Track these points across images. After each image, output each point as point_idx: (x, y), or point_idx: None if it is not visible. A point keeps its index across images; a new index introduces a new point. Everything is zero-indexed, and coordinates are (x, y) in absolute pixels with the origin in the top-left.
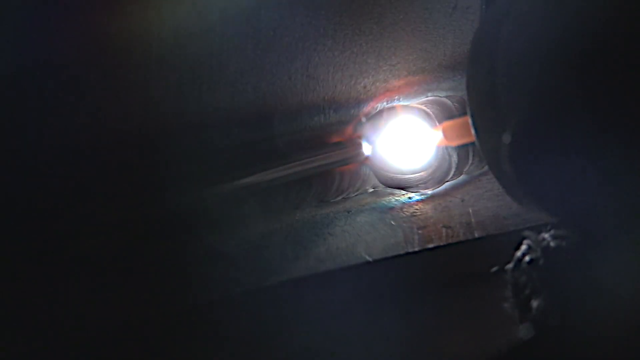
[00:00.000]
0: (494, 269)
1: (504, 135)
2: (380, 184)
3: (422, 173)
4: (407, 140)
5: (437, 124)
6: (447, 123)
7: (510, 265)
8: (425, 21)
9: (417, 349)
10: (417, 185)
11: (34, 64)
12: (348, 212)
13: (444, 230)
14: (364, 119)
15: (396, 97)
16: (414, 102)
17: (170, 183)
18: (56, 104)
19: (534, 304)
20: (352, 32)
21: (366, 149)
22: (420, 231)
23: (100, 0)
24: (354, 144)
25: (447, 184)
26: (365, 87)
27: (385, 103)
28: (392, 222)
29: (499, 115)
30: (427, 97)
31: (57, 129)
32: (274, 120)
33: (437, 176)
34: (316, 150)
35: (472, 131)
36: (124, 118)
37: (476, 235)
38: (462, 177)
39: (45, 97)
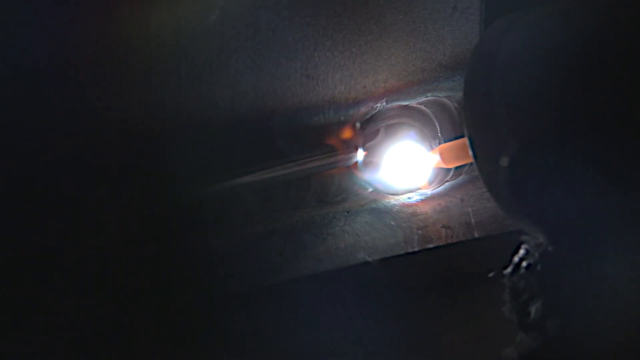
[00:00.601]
0: (491, 274)
1: (502, 158)
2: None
3: (412, 190)
4: (401, 160)
5: (433, 145)
6: (444, 146)
7: (508, 270)
8: (425, 21)
9: (417, 348)
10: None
11: (34, 64)
12: (348, 212)
13: (443, 230)
14: (357, 124)
15: (396, 97)
16: (414, 103)
17: (170, 183)
18: (56, 104)
19: (532, 308)
20: (352, 32)
21: (359, 155)
22: (420, 231)
23: (100, 1)
24: (346, 148)
25: (447, 184)
26: (365, 87)
27: (384, 103)
28: (392, 222)
29: (497, 139)
30: (427, 97)
31: (57, 129)
32: (274, 121)
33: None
34: (306, 154)
35: (470, 153)
36: (124, 118)
37: (476, 235)
38: (462, 177)
39: (46, 97)
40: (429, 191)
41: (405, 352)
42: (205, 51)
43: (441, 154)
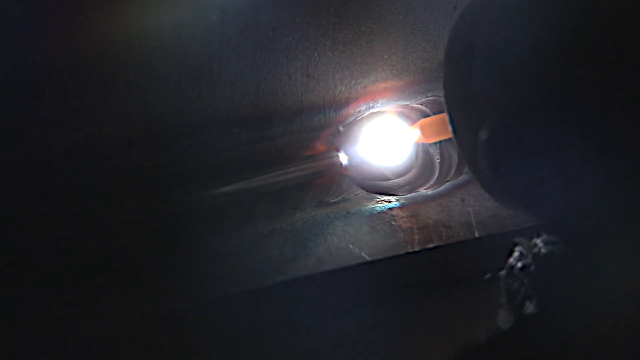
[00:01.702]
0: (487, 275)
1: (481, 132)
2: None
3: (402, 178)
4: (384, 143)
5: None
6: (424, 120)
7: (503, 272)
8: (425, 21)
9: (417, 348)
10: (398, 190)
11: (34, 65)
12: (348, 212)
13: (444, 230)
14: (341, 128)
15: (396, 97)
16: (414, 102)
17: (170, 183)
18: (56, 105)
19: (527, 308)
20: (352, 32)
21: (343, 158)
22: (420, 231)
23: (100, 1)
24: (330, 155)
25: (447, 184)
26: (365, 87)
27: (380, 104)
28: (392, 222)
29: (475, 113)
30: (427, 97)
31: (58, 129)
32: (273, 121)
33: (418, 180)
34: (288, 164)
35: (450, 128)
36: (124, 118)
37: (476, 235)
38: (462, 177)
39: (46, 98)
40: (429, 191)
41: (405, 352)
42: (205, 51)
43: (422, 129)
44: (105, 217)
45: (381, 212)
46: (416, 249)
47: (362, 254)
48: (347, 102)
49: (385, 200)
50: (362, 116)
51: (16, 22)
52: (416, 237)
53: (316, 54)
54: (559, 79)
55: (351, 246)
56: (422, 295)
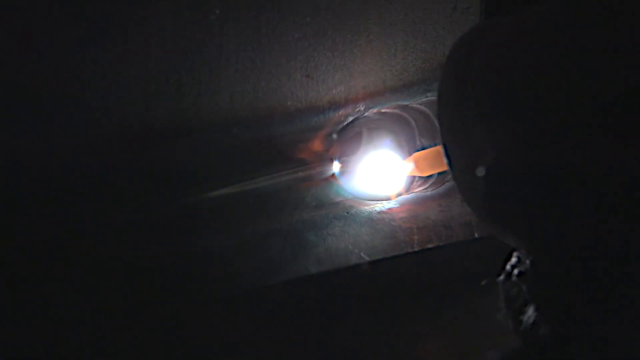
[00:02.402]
0: (484, 281)
1: (478, 168)
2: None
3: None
4: (376, 175)
5: (409, 152)
6: (419, 154)
7: (501, 278)
8: (425, 21)
9: (417, 348)
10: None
11: (34, 65)
12: (347, 212)
13: (443, 230)
14: (334, 136)
15: (395, 97)
16: (414, 103)
17: (169, 183)
18: (56, 104)
19: (525, 314)
20: (352, 32)
21: (335, 167)
22: (420, 231)
23: (101, 1)
24: (322, 161)
25: (447, 184)
26: (365, 87)
27: (379, 105)
28: (392, 223)
29: (472, 148)
30: (427, 97)
31: (57, 129)
32: (273, 121)
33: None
34: (288, 165)
35: (446, 162)
36: (124, 118)
37: (476, 235)
38: None
39: (45, 97)
40: (428, 192)
41: (405, 352)
42: (205, 51)
43: (416, 162)
44: (104, 217)
45: (381, 212)
46: (416, 249)
47: (362, 254)
48: (346, 102)
49: (385, 201)
50: (358, 127)
51: (15, 22)
52: (416, 237)
53: (316, 54)
54: (556, 113)
55: (350, 246)
56: (422, 295)
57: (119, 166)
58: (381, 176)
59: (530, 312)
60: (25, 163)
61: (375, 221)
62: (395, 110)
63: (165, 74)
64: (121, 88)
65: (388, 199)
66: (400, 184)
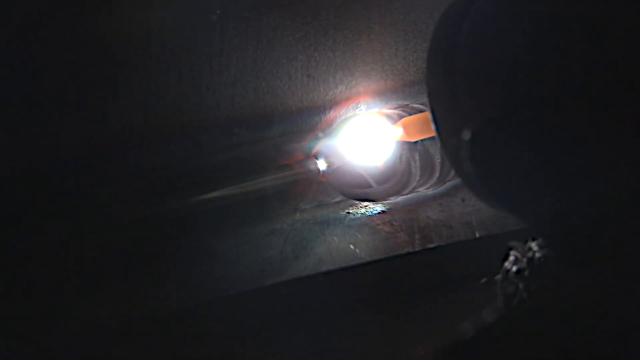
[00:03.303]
0: (483, 280)
1: (464, 132)
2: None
3: (383, 185)
4: (366, 143)
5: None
6: (407, 119)
7: (498, 276)
8: (425, 21)
9: (416, 348)
10: (379, 197)
11: (34, 64)
12: (348, 212)
13: (444, 230)
14: (320, 135)
15: (396, 97)
16: (414, 103)
17: (169, 183)
18: (56, 104)
19: (522, 311)
20: (352, 32)
21: (321, 165)
22: (420, 231)
23: (101, 0)
24: (309, 162)
25: (447, 183)
26: (365, 87)
27: (380, 104)
28: (393, 222)
29: (459, 112)
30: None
31: (57, 129)
32: (273, 121)
33: (398, 187)
34: (269, 171)
35: (433, 127)
36: (124, 118)
37: (477, 235)
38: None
39: (45, 97)
40: (429, 192)
41: (405, 352)
42: (205, 51)
43: (404, 128)
44: (104, 217)
45: (381, 212)
46: (416, 249)
47: (362, 254)
48: (347, 102)
49: (386, 201)
50: (343, 119)
51: (16, 22)
52: (416, 237)
53: (316, 54)
54: (545, 77)
55: (351, 246)
56: (422, 295)
57: (119, 166)
58: (370, 142)
59: (528, 309)
60: (25, 163)
61: (375, 221)
62: (396, 110)
63: (165, 74)
64: (121, 88)
65: (380, 175)
66: (389, 149)
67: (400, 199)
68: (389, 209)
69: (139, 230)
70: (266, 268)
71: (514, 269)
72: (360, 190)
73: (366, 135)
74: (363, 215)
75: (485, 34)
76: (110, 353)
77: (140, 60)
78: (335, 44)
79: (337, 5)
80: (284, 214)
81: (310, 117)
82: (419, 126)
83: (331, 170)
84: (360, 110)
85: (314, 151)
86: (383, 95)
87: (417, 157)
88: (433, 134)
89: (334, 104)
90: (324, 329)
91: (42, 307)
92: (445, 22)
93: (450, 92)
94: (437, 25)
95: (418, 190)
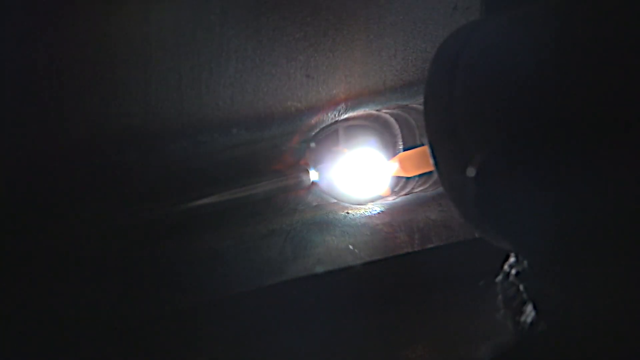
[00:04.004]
0: (482, 282)
1: (468, 169)
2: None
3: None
4: (360, 177)
5: (393, 152)
6: (404, 154)
7: (499, 278)
8: (425, 21)
9: (416, 348)
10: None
11: (34, 64)
12: (347, 212)
13: (444, 230)
14: (312, 144)
15: (396, 98)
16: (414, 103)
17: (170, 183)
18: (56, 104)
19: (524, 313)
20: (352, 32)
21: (312, 175)
22: (420, 231)
23: (101, 0)
24: (299, 170)
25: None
26: (365, 87)
27: (379, 105)
28: (392, 223)
29: (459, 148)
30: None
31: (57, 129)
32: (273, 121)
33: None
34: (257, 179)
35: (432, 162)
36: (124, 118)
37: (477, 235)
38: None
39: (45, 97)
40: (428, 192)
41: (406, 352)
42: (205, 51)
43: (400, 163)
44: (105, 217)
45: (381, 212)
46: (416, 249)
47: (362, 254)
48: (347, 102)
49: (384, 201)
50: (337, 132)
51: (16, 22)
52: (416, 237)
53: (316, 54)
54: (546, 108)
55: (351, 246)
56: (422, 295)
57: (119, 166)
58: (365, 177)
59: (529, 311)
60: (26, 163)
61: (375, 221)
62: (395, 111)
63: (165, 74)
64: (121, 88)
65: (374, 200)
66: (384, 184)
67: (399, 199)
68: (388, 210)
69: (139, 229)
70: (266, 268)
71: (514, 271)
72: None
73: (361, 172)
74: (363, 216)
75: (483, 67)
76: (110, 353)
77: (140, 60)
78: (335, 44)
79: (337, 5)
80: (283, 214)
81: (310, 117)
82: (416, 161)
83: (323, 176)
84: (355, 112)
85: (305, 159)
86: (382, 95)
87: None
88: (430, 168)
89: (333, 104)
90: (324, 328)
91: (42, 306)
92: (443, 55)
93: (450, 126)
94: (434, 58)
95: (418, 190)
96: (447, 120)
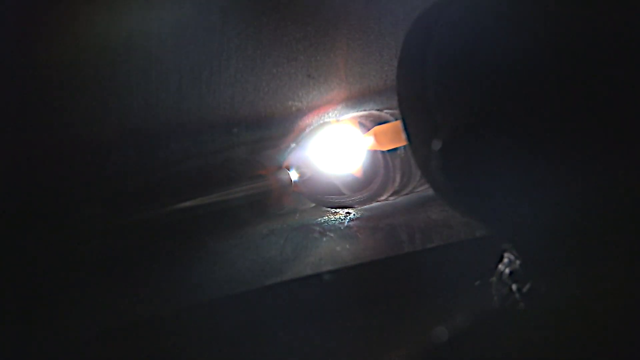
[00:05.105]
0: (477, 282)
1: (434, 142)
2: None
3: (356, 194)
4: (337, 153)
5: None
6: (378, 128)
7: (493, 278)
8: None
9: (416, 348)
10: (352, 203)
11: (34, 64)
12: (348, 212)
13: (444, 229)
14: (292, 145)
15: (395, 98)
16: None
17: (169, 183)
18: (56, 104)
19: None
20: (352, 32)
21: (293, 175)
22: (420, 231)
23: (101, 0)
24: (280, 173)
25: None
26: (367, 87)
27: (379, 105)
28: (393, 222)
29: (429, 121)
30: None
31: (57, 129)
32: (273, 121)
33: (372, 194)
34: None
35: (404, 136)
36: (123, 118)
37: (477, 235)
38: None
39: (45, 97)
40: (429, 191)
41: (406, 351)
42: (205, 51)
43: (375, 137)
44: (104, 217)
45: (381, 212)
46: (416, 249)
47: (361, 254)
48: (347, 102)
49: (384, 200)
50: (315, 128)
51: (15, 22)
52: (416, 236)
53: (316, 54)
54: (517, 83)
55: (351, 246)
56: (422, 295)
57: (119, 166)
58: (341, 151)
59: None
60: (25, 163)
61: (375, 221)
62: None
63: (165, 74)
64: (121, 88)
65: (353, 183)
66: (360, 158)
67: (399, 199)
68: (389, 209)
69: (139, 230)
70: (266, 268)
71: (507, 271)
72: (334, 197)
73: (337, 145)
74: (362, 216)
75: (456, 41)
76: (110, 353)
77: (140, 60)
78: (335, 44)
79: (337, 5)
80: (285, 213)
81: (309, 117)
82: (390, 135)
83: (303, 180)
84: (333, 116)
85: (286, 162)
86: (383, 95)
87: (398, 162)
88: (404, 142)
89: (333, 104)
90: (323, 328)
91: (41, 307)
92: (416, 30)
93: (421, 101)
94: (407, 33)
95: (400, 194)
96: (418, 95)
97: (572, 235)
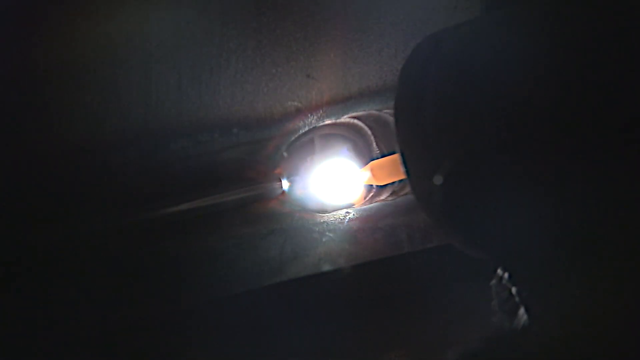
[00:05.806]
0: (476, 284)
1: (435, 177)
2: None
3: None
4: (332, 185)
5: (365, 160)
6: (375, 162)
7: (493, 282)
8: (425, 21)
9: (416, 348)
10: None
11: (34, 64)
12: (347, 212)
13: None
14: (285, 154)
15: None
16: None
17: (169, 183)
18: (56, 104)
19: (518, 314)
20: (352, 32)
21: (284, 184)
22: (420, 231)
23: (101, 0)
24: (271, 180)
25: None
26: (366, 87)
27: (379, 105)
28: (393, 222)
29: (430, 157)
30: None
31: (57, 129)
32: (273, 121)
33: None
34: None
35: (403, 171)
36: (124, 118)
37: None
38: None
39: (45, 97)
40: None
41: (406, 351)
42: (205, 51)
43: (372, 171)
44: (104, 217)
45: (381, 212)
46: (416, 249)
47: (361, 254)
48: (347, 102)
49: (384, 200)
50: (310, 142)
51: (15, 22)
52: (416, 236)
53: (316, 54)
54: (514, 118)
55: (351, 246)
56: (422, 295)
57: (119, 166)
58: (337, 186)
59: (522, 314)
60: (25, 163)
61: (375, 221)
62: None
63: (165, 73)
64: (121, 88)
65: (347, 208)
66: (357, 193)
67: (399, 199)
68: (387, 210)
69: (139, 229)
70: (266, 268)
71: (507, 275)
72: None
73: (334, 181)
74: (362, 216)
75: (452, 75)
76: (110, 353)
77: (140, 60)
78: (335, 44)
79: (337, 5)
80: (285, 213)
81: (309, 118)
82: (387, 170)
83: (294, 187)
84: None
85: (278, 169)
86: (382, 95)
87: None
88: (402, 177)
89: (333, 104)
90: (323, 328)
91: (41, 307)
92: (412, 64)
93: (420, 134)
94: (403, 67)
95: (399, 194)
96: (417, 129)
97: (569, 267)
